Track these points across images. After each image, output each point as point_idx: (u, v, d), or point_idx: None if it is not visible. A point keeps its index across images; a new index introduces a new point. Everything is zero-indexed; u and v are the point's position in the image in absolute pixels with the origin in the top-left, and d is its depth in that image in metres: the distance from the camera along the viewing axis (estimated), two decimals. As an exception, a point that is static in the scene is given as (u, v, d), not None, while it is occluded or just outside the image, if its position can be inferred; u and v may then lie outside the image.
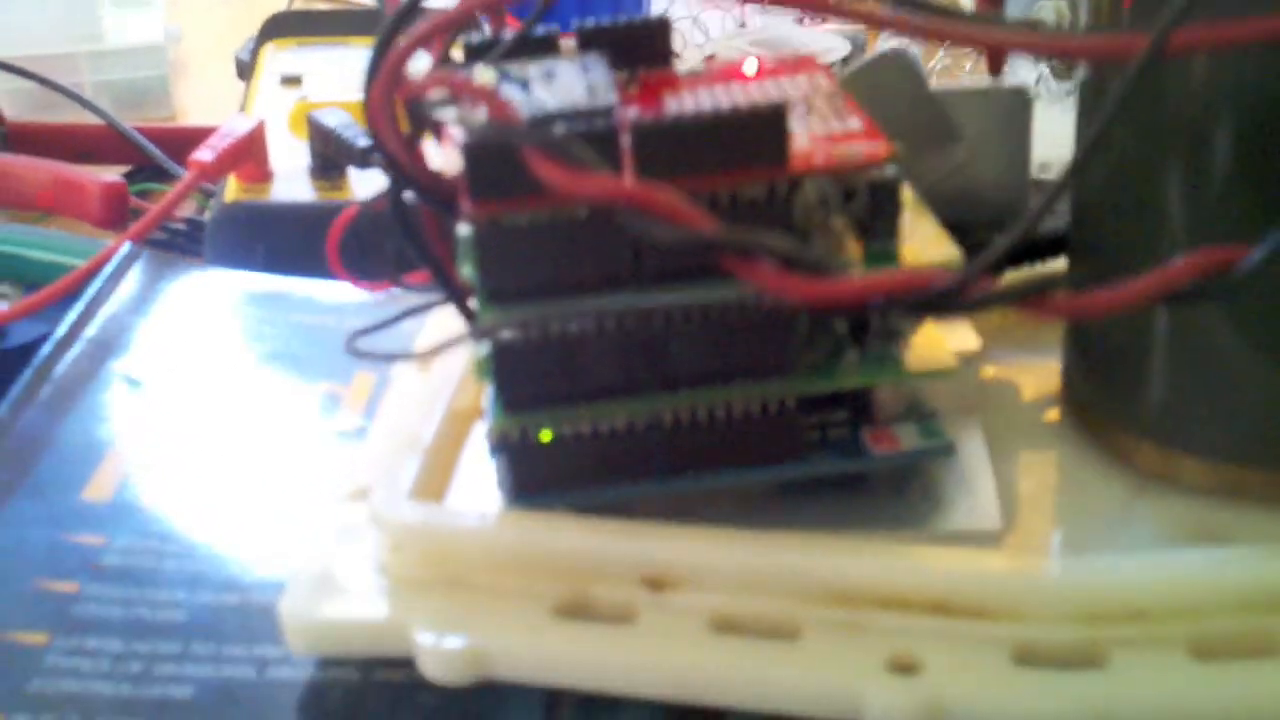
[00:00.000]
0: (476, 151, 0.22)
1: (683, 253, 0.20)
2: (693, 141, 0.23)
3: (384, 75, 0.23)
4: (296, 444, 0.33)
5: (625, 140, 0.22)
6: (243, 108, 0.62)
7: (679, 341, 0.24)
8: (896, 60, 0.29)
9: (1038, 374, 0.30)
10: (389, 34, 0.22)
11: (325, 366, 0.36)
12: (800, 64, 0.28)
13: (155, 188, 0.54)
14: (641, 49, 0.28)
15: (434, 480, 0.28)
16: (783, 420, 0.25)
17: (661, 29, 0.28)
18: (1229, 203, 0.24)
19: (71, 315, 0.35)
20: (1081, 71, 0.26)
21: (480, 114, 0.21)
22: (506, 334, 0.24)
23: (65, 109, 0.61)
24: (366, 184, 0.44)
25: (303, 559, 0.26)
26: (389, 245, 0.29)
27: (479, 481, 0.28)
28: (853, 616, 0.23)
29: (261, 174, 0.44)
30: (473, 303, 0.27)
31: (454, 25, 0.21)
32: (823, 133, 0.24)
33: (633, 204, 0.19)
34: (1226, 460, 0.26)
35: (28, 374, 0.33)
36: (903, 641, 0.23)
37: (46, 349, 0.34)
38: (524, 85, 0.24)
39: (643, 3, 0.83)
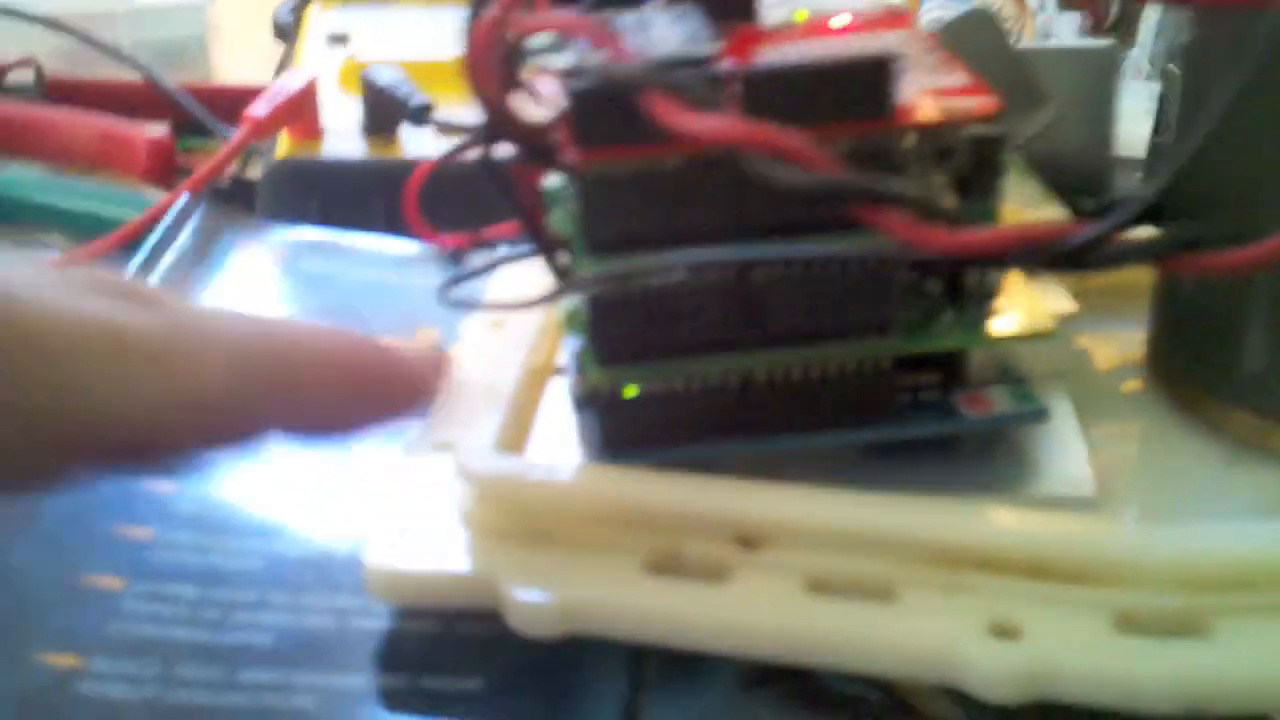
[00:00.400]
0: (587, 97, 0.22)
1: (797, 201, 0.20)
2: (801, 90, 0.22)
3: (488, 22, 0.22)
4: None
5: (733, 88, 0.22)
6: (282, 66, 0.62)
7: (779, 296, 0.24)
8: (983, 19, 0.29)
9: (1120, 341, 0.30)
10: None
11: (386, 321, 0.35)
12: (892, 19, 0.27)
13: (198, 143, 0.53)
14: (727, 3, 0.27)
15: (514, 434, 0.27)
16: (878, 381, 0.25)
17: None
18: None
19: (132, 267, 0.35)
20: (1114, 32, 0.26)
21: (595, 57, 0.21)
22: (605, 286, 0.24)
23: (102, 67, 0.60)
24: (418, 141, 0.44)
25: (385, 511, 0.25)
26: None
27: (557, 436, 0.28)
28: (951, 578, 0.23)
29: (313, 130, 0.44)
30: (562, 256, 0.26)
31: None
32: (927, 86, 0.24)
33: (761, 147, 0.18)
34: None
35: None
36: (1002, 604, 0.22)
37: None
38: (619, 34, 0.24)
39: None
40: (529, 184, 0.26)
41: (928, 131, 0.23)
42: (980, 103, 0.23)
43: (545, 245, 0.26)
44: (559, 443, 0.27)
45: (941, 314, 0.25)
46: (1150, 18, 0.55)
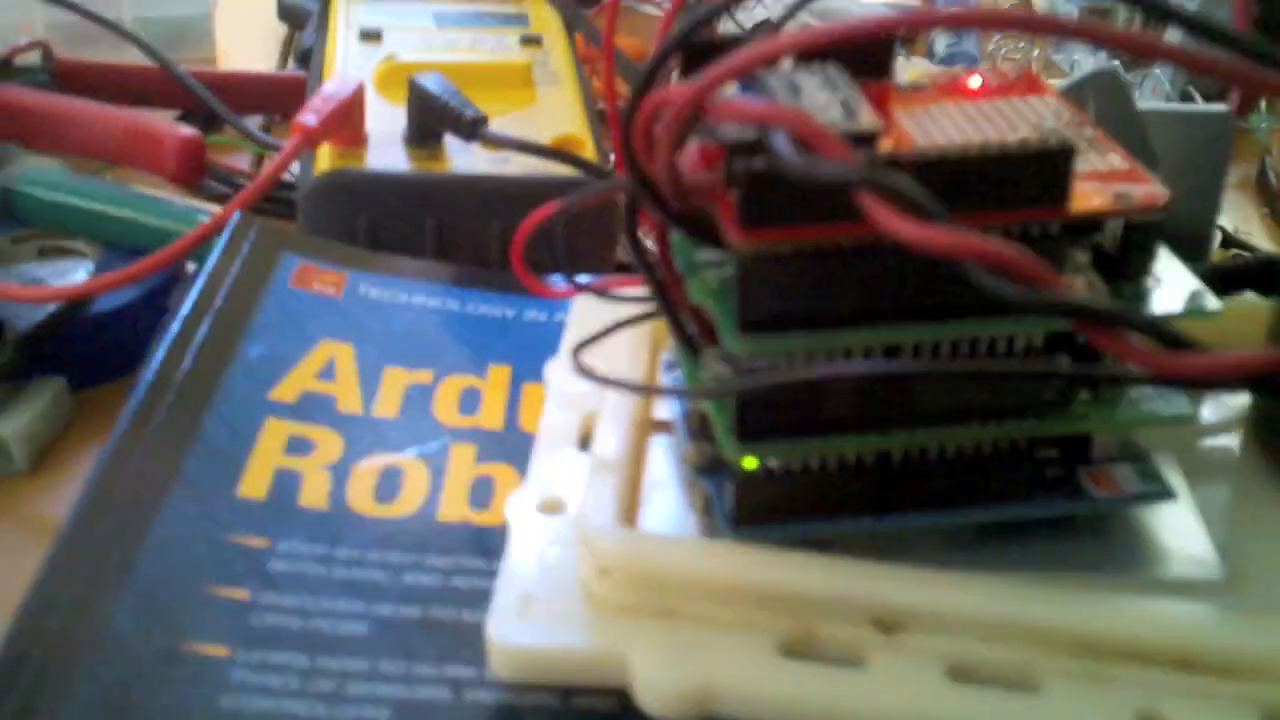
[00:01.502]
0: (757, 179, 0.21)
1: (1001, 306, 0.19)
2: (973, 178, 0.22)
3: (678, 105, 0.21)
4: (446, 442, 0.31)
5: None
6: (302, 58, 0.60)
7: (927, 377, 0.23)
8: (1109, 80, 0.28)
9: (1215, 406, 0.30)
10: (658, 61, 0.21)
11: (454, 356, 0.34)
12: (1025, 83, 0.27)
13: (218, 140, 0.52)
14: (863, 57, 0.27)
15: (628, 499, 0.27)
16: (1012, 460, 0.25)
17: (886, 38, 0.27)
18: None
19: (194, 292, 0.33)
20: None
21: (786, 143, 0.20)
22: (751, 364, 0.23)
23: (103, 43, 0.58)
24: (464, 155, 0.43)
25: (503, 578, 0.25)
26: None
27: (670, 503, 0.27)
28: (1095, 668, 0.23)
29: (357, 138, 0.42)
30: (687, 317, 0.26)
31: (741, 73, 0.20)
32: (1089, 170, 0.24)
33: (987, 261, 0.18)
34: None
35: (160, 357, 0.31)
36: (1149, 697, 0.22)
37: (175, 328, 0.32)
38: (769, 97, 0.23)
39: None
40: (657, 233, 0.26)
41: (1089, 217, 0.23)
42: (1147, 192, 0.23)
43: (673, 313, 0.25)
44: (673, 510, 0.27)
45: (1076, 393, 0.25)
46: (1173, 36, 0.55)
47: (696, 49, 0.25)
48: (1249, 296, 0.31)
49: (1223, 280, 0.30)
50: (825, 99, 0.23)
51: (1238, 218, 0.56)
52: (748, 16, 0.71)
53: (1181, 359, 0.18)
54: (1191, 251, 0.31)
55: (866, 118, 0.22)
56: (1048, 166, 0.22)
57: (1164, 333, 0.18)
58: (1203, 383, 0.19)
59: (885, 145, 0.23)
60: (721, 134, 0.21)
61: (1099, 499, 0.25)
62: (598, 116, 0.47)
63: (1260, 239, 0.53)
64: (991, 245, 0.18)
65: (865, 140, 0.22)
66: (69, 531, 0.27)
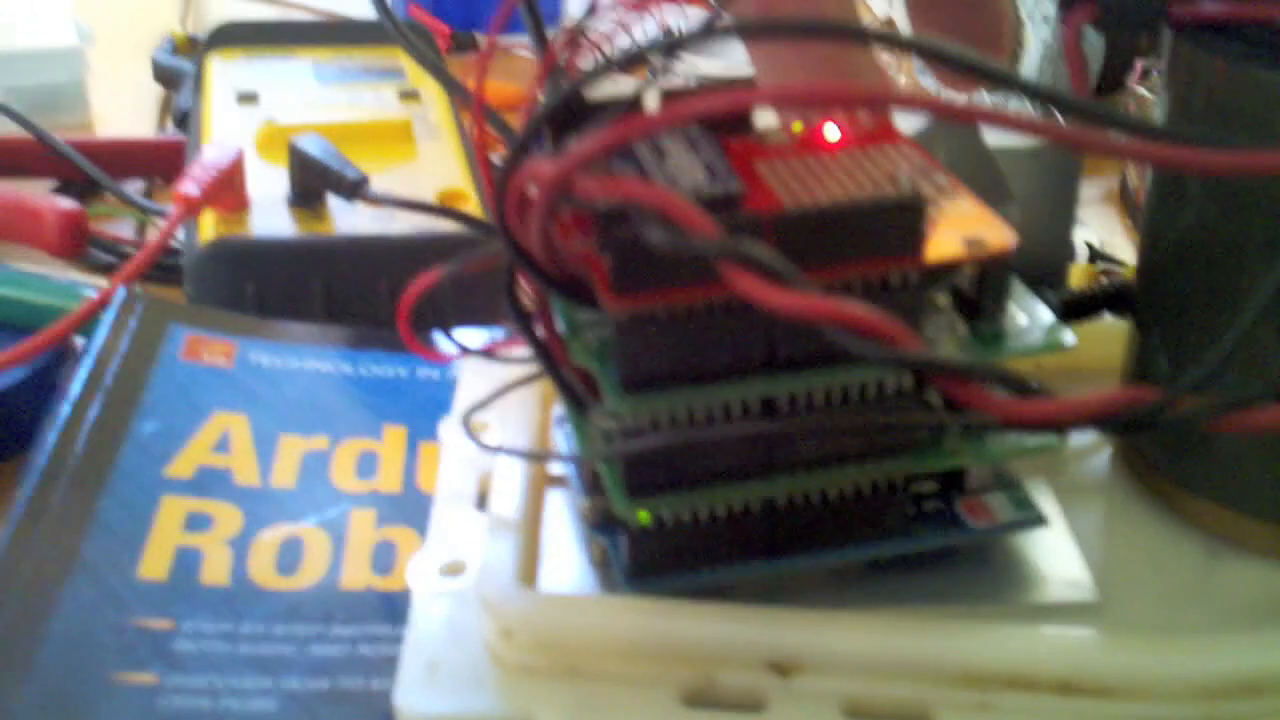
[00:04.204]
0: (626, 248, 0.22)
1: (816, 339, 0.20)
2: (833, 233, 0.23)
3: (548, 179, 0.22)
4: (346, 508, 0.32)
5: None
6: (180, 120, 0.60)
7: (805, 425, 0.24)
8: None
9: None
10: (525, 139, 0.22)
11: (351, 419, 0.35)
12: (881, 131, 0.28)
13: (98, 210, 0.51)
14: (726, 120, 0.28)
15: (527, 558, 0.27)
16: (890, 498, 0.26)
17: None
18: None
19: (83, 370, 0.33)
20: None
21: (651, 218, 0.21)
22: (635, 423, 0.24)
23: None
24: (348, 214, 0.43)
25: (408, 645, 0.25)
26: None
27: (568, 558, 0.28)
28: (982, 697, 0.24)
29: (240, 204, 0.43)
30: (572, 377, 0.26)
31: (610, 150, 0.21)
32: (941, 217, 0.25)
33: (852, 325, 0.19)
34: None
35: (51, 441, 0.31)
36: (1034, 721, 0.23)
37: (65, 410, 0.32)
38: (637, 166, 0.24)
39: (559, 4, 0.82)
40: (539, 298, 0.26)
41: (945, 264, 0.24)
42: (997, 237, 0.24)
43: (559, 374, 0.26)
44: (573, 565, 0.27)
45: (948, 429, 0.26)
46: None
47: (567, 114, 0.25)
48: (1107, 319, 0.32)
49: (1080, 306, 0.31)
50: (689, 161, 0.24)
51: (1103, 231, 0.58)
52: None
53: (1029, 405, 0.19)
54: (1051, 278, 0.33)
55: (729, 180, 0.23)
56: (903, 218, 0.23)
57: (1011, 382, 0.19)
58: (1051, 426, 0.20)
59: (750, 203, 0.24)
60: (592, 204, 0.22)
61: (975, 529, 0.26)
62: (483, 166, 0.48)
63: (1124, 251, 0.55)
64: (846, 308, 0.19)
65: (729, 202, 0.23)
66: (-34, 626, 0.27)
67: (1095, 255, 0.53)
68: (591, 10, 0.27)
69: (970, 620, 0.25)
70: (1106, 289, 0.32)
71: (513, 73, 0.67)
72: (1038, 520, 0.27)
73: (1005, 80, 0.20)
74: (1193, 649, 0.24)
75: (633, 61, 0.22)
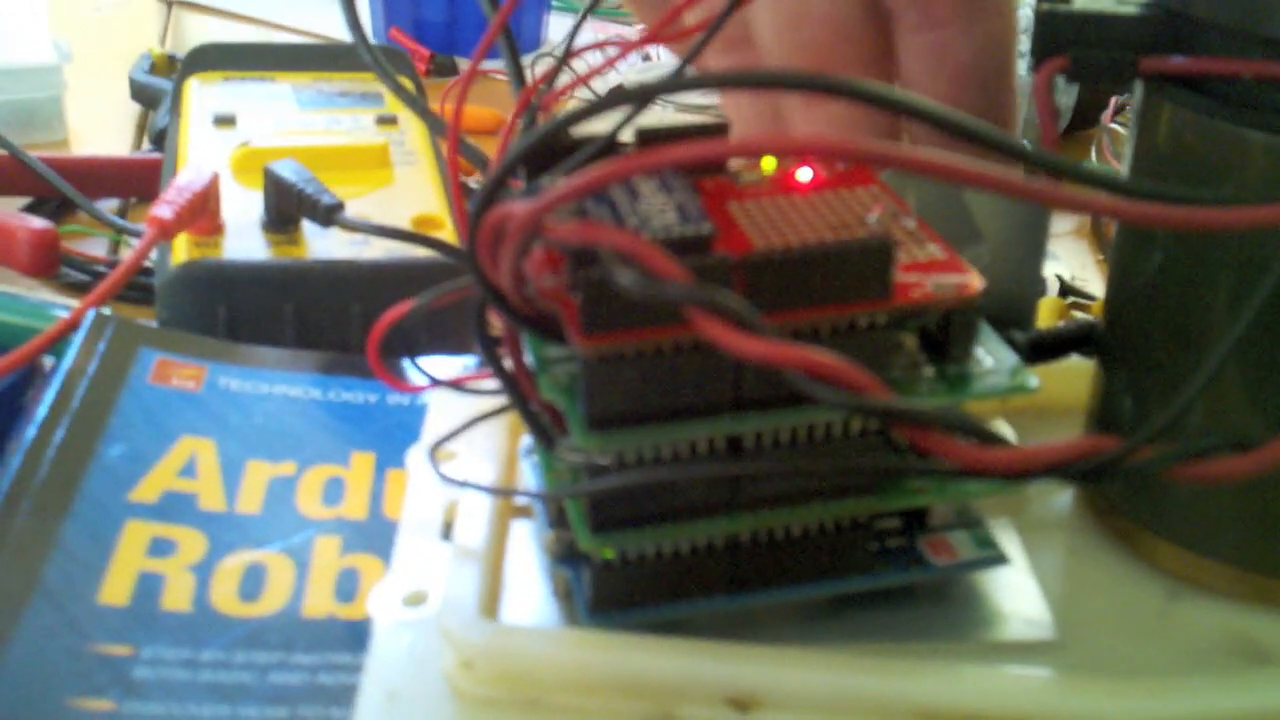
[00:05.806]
0: (596, 288, 0.22)
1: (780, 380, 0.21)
2: (801, 276, 0.23)
3: (519, 219, 0.22)
4: (311, 535, 0.32)
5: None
6: (157, 139, 0.60)
7: (770, 467, 0.24)
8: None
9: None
10: (497, 181, 0.22)
11: (318, 444, 0.35)
12: (853, 173, 0.28)
13: (71, 228, 0.51)
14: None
15: (490, 589, 0.27)
16: (853, 535, 0.26)
17: (720, 133, 0.28)
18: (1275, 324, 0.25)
19: (50, 392, 0.33)
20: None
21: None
22: (601, 459, 0.24)
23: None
24: (322, 239, 0.43)
25: (368, 675, 0.25)
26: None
27: (530, 590, 0.28)
28: (940, 735, 0.24)
29: (213, 227, 0.43)
30: (539, 411, 0.26)
31: (585, 192, 0.21)
32: (909, 261, 0.25)
33: (817, 372, 0.19)
34: (1251, 569, 0.27)
35: (16, 464, 0.31)
36: (992, 761, 0.24)
37: (31, 433, 0.32)
38: (610, 206, 0.24)
39: (540, 30, 0.83)
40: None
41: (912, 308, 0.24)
42: (962, 281, 0.24)
43: (527, 409, 0.26)
44: (536, 597, 0.27)
45: (909, 467, 0.26)
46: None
47: (542, 149, 0.26)
48: (1074, 359, 0.33)
49: (1047, 348, 0.32)
50: (662, 202, 0.24)
51: (1074, 265, 0.58)
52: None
53: (991, 454, 0.19)
54: (1019, 317, 0.33)
55: (700, 223, 0.23)
56: (870, 262, 0.23)
57: (974, 430, 0.20)
58: (1012, 476, 0.20)
59: (721, 244, 0.24)
60: (563, 245, 0.22)
61: (937, 567, 0.27)
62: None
63: (1095, 285, 0.56)
64: (812, 356, 0.19)
65: (700, 243, 0.23)
66: (-75, 650, 0.26)
67: (1065, 289, 0.54)
68: (569, 45, 0.28)
69: (930, 658, 0.25)
70: (1073, 330, 0.32)
71: (490, 98, 0.67)
72: (1000, 559, 0.27)
73: (975, 136, 0.20)
74: (1151, 689, 0.24)
75: (609, 105, 0.22)
